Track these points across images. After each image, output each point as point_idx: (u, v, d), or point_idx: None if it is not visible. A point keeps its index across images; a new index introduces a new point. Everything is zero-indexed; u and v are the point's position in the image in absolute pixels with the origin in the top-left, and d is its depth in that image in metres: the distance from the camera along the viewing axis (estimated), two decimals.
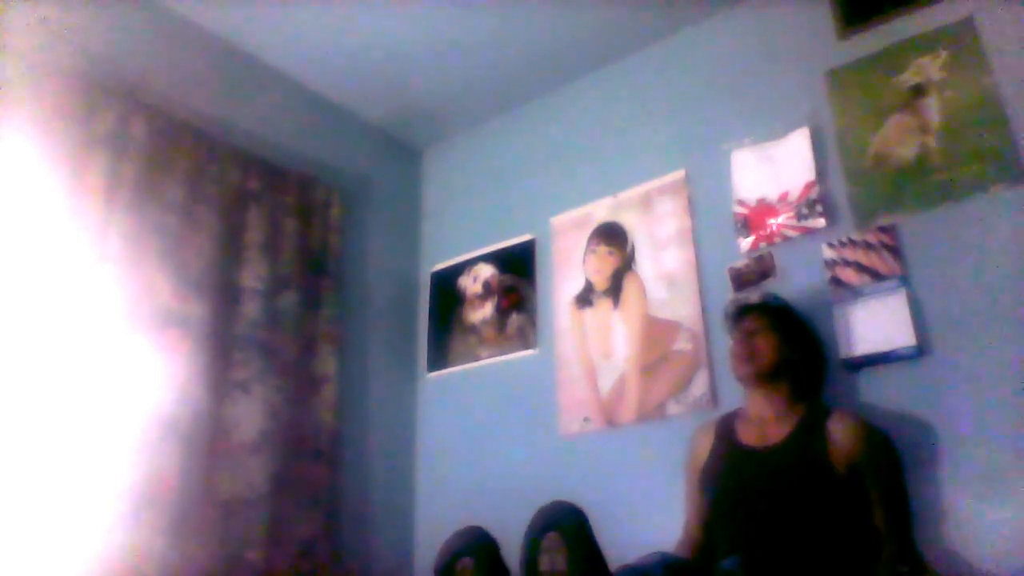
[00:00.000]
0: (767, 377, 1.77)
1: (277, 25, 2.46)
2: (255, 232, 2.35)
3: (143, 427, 1.92)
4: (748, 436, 1.77)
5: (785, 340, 1.80)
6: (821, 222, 2.05)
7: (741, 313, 1.88)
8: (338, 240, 2.63)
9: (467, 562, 1.63)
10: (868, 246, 1.95)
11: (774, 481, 1.65)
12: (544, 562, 1.52)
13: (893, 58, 2.05)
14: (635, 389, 2.30)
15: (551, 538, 1.53)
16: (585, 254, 2.58)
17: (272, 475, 2.17)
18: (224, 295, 2.21)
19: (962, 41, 1.95)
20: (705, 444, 1.86)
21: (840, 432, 1.64)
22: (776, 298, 1.91)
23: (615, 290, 2.46)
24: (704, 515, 1.81)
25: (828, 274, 1.99)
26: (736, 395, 1.94)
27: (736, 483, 1.72)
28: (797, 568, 1.53)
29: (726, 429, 1.84)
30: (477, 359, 2.72)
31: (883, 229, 1.94)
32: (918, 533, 1.66)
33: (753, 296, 1.95)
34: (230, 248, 2.27)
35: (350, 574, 2.38)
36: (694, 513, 1.86)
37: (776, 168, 2.18)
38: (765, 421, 1.76)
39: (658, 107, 2.55)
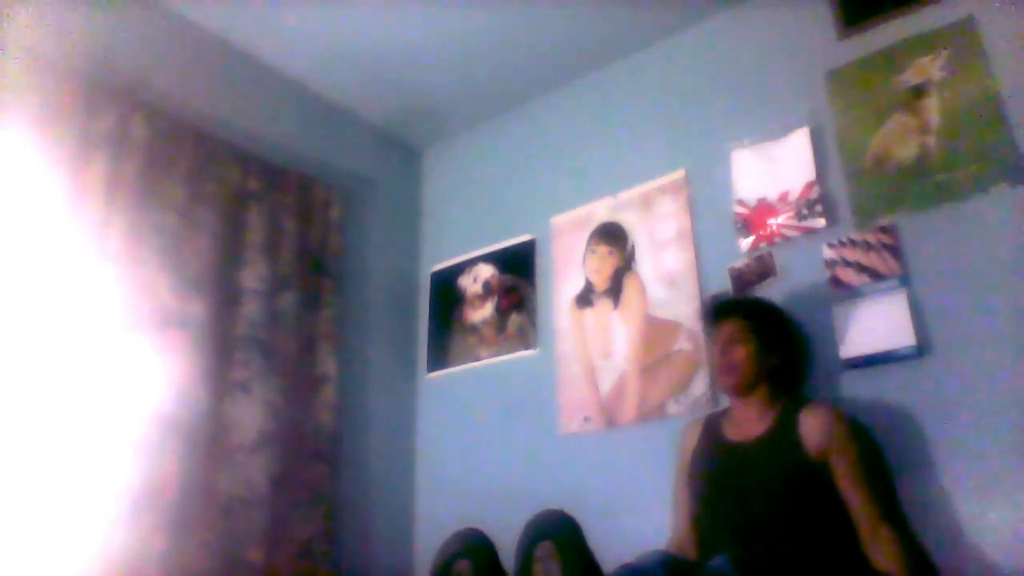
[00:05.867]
0: (746, 388, 1.78)
1: (277, 25, 2.46)
2: (255, 232, 2.35)
3: (143, 427, 1.92)
4: (732, 432, 1.80)
5: (764, 346, 1.79)
6: (821, 222, 2.05)
7: (717, 316, 1.87)
8: (338, 240, 2.63)
9: (464, 564, 1.64)
10: (868, 246, 1.95)
11: (754, 474, 1.67)
12: (538, 571, 1.52)
13: (893, 58, 2.05)
14: (635, 389, 2.30)
15: (544, 547, 1.54)
16: (585, 254, 2.58)
17: (272, 475, 2.17)
18: (224, 295, 2.21)
19: (962, 41, 1.95)
20: (692, 440, 1.88)
21: (810, 422, 1.67)
22: (753, 298, 1.90)
23: (615, 290, 2.46)
24: (691, 511, 1.82)
25: (828, 274, 1.99)
26: None
27: (719, 477, 1.74)
28: (782, 561, 1.54)
29: (712, 426, 1.86)
30: (477, 359, 2.72)
31: (883, 229, 1.94)
32: (913, 524, 1.68)
33: (729, 297, 1.93)
34: (230, 248, 2.27)
35: (350, 574, 2.38)
36: (682, 510, 1.86)
37: (776, 168, 2.18)
38: (747, 419, 1.78)
39: (658, 107, 2.55)
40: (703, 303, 1.96)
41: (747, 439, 1.74)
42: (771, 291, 2.06)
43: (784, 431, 1.69)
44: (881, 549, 1.54)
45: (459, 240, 2.95)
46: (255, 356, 2.24)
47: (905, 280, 1.87)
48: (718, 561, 1.50)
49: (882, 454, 1.75)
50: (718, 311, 1.89)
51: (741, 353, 1.78)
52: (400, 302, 2.96)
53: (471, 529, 1.75)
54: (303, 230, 2.50)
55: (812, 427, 1.66)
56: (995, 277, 1.76)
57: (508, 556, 1.65)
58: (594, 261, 2.55)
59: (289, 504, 2.20)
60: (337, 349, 2.49)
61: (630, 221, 2.49)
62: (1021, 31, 1.88)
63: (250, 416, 2.18)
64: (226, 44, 2.51)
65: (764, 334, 1.81)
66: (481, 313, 2.78)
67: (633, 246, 2.46)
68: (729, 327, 1.82)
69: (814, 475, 1.61)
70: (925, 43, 2.01)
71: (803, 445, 1.64)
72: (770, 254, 2.13)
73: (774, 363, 1.80)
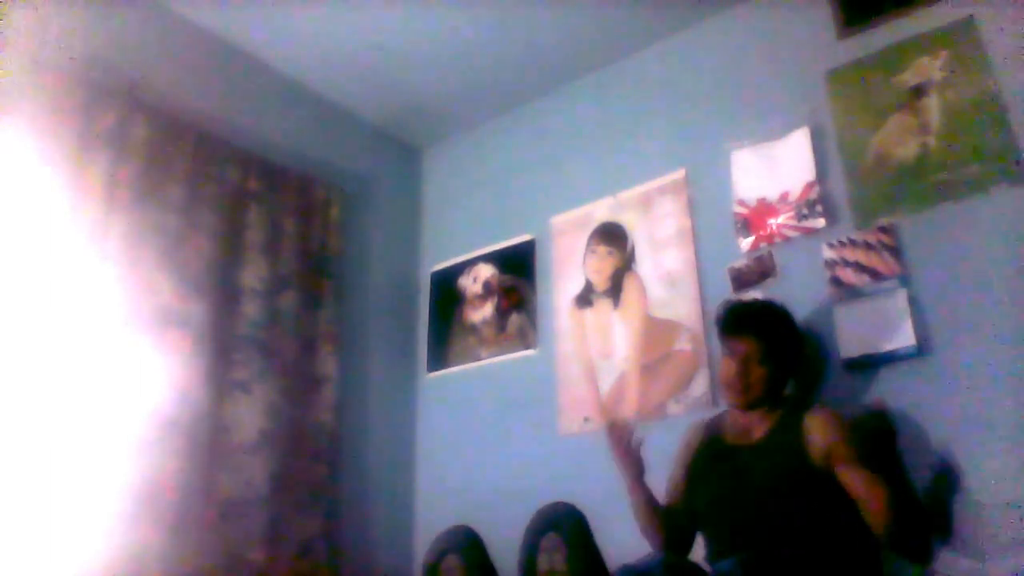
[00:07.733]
0: (755, 405, 1.75)
1: (277, 25, 2.46)
2: (255, 232, 2.35)
3: (143, 427, 1.92)
4: (733, 436, 1.79)
5: (777, 369, 1.75)
6: (821, 222, 2.05)
7: (735, 330, 1.79)
8: (338, 240, 2.63)
9: (453, 559, 1.65)
10: (868, 246, 1.95)
11: (756, 475, 1.66)
12: (543, 562, 1.53)
13: (893, 58, 2.05)
14: (635, 389, 2.30)
15: (550, 538, 1.55)
16: (585, 254, 2.58)
17: (272, 475, 2.17)
18: (224, 295, 2.21)
19: (962, 41, 1.95)
20: (695, 441, 1.87)
21: (814, 425, 1.65)
22: (771, 311, 1.82)
23: (615, 290, 2.46)
24: (681, 499, 1.82)
25: (828, 274, 1.99)
26: None
27: (722, 479, 1.73)
28: (790, 563, 1.53)
29: (714, 428, 1.85)
30: (477, 359, 2.72)
31: (883, 229, 1.94)
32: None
33: (748, 306, 1.86)
34: (230, 248, 2.27)
35: (350, 574, 2.38)
36: (674, 494, 1.85)
37: (776, 168, 2.18)
38: (749, 422, 1.77)
39: (658, 107, 2.55)
40: (718, 309, 1.88)
41: (749, 441, 1.73)
42: (771, 291, 2.06)
43: (787, 433, 1.67)
44: (870, 505, 1.50)
45: (459, 240, 2.95)
46: (255, 356, 2.24)
47: (905, 280, 1.87)
48: (725, 564, 1.49)
49: (882, 442, 1.70)
50: (736, 324, 1.80)
51: (758, 375, 1.72)
52: (400, 302, 2.96)
53: (460, 526, 1.76)
54: (303, 230, 2.50)
55: (816, 430, 1.64)
56: (995, 277, 1.76)
57: (507, 555, 1.65)
58: (594, 261, 2.55)
59: (289, 504, 2.20)
60: (337, 349, 2.50)
61: (630, 221, 2.49)
62: (1021, 31, 1.88)
63: (250, 416, 2.18)
64: (226, 44, 2.51)
65: (780, 355, 1.76)
66: (481, 313, 2.78)
67: (633, 246, 2.46)
68: (748, 346, 1.74)
69: (818, 477, 1.59)
70: (925, 43, 2.01)
71: (807, 447, 1.62)
72: (770, 254, 2.13)
73: (783, 381, 1.78)
